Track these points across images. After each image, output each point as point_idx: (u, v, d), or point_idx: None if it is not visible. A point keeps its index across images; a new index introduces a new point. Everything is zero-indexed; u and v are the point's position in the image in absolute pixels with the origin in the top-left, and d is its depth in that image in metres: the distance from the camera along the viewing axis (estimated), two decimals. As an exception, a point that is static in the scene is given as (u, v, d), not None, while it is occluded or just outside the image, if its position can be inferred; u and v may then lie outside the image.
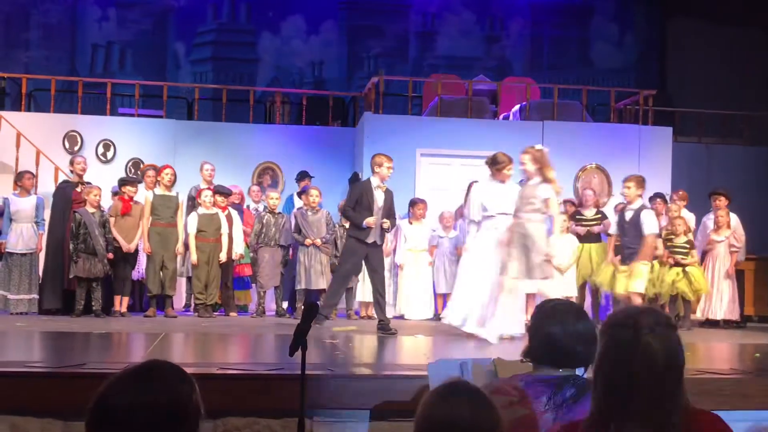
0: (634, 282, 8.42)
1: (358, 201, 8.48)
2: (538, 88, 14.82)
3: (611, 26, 19.30)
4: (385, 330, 8.24)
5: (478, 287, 7.90)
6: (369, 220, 8.35)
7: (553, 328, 2.90)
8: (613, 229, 9.14)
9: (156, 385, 1.93)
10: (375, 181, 8.59)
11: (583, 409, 2.67)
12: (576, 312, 3.00)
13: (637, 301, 8.34)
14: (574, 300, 10.25)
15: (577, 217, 10.63)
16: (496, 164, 8.23)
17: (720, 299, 10.37)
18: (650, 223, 8.56)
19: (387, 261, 10.76)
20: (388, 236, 10.78)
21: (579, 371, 2.93)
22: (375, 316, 10.62)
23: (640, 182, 8.73)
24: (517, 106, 13.49)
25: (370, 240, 8.40)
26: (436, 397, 2.16)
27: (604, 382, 2.14)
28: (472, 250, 8.26)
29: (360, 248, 8.44)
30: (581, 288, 10.49)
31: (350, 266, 8.69)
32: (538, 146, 8.33)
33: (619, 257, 8.86)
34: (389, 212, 8.58)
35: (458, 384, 2.23)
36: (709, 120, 15.32)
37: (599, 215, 10.66)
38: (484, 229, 8.17)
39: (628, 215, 8.68)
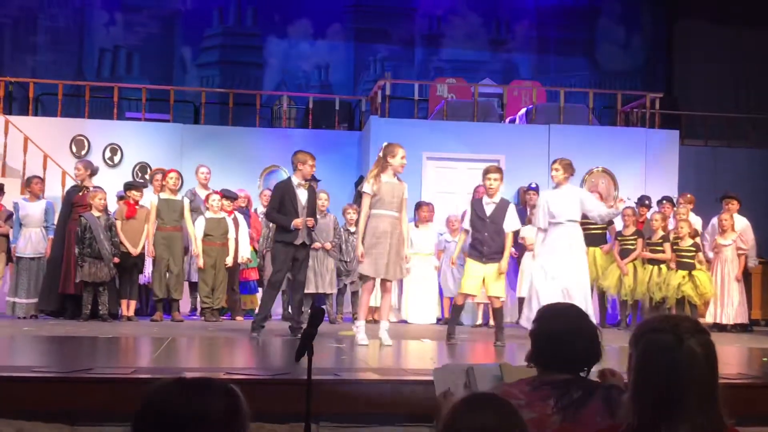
0: (497, 285, 7.88)
1: (281, 203, 8.03)
2: (544, 91, 14.82)
3: (617, 29, 19.27)
4: (293, 332, 7.94)
5: (553, 293, 7.85)
6: (296, 221, 7.89)
7: (555, 331, 2.90)
8: (466, 224, 8.31)
9: (214, 395, 1.92)
10: (296, 179, 8.11)
11: (589, 411, 2.69)
12: (577, 314, 3.01)
13: (496, 305, 7.95)
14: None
15: (582, 220, 10.60)
16: (571, 170, 8.23)
17: (729, 303, 10.35)
18: (513, 221, 7.99)
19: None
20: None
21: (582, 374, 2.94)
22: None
23: (503, 175, 8.16)
24: (523, 110, 13.50)
25: (298, 241, 7.96)
26: (464, 406, 2.16)
27: (647, 390, 2.13)
28: (542, 257, 8.25)
29: (288, 251, 8.00)
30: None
31: (283, 274, 8.28)
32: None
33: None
34: (313, 211, 8.20)
35: (487, 395, 2.23)
36: (716, 123, 15.30)
37: (605, 219, 10.65)
38: (553, 236, 8.22)
39: (489, 209, 7.93)
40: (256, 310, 10.74)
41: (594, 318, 7.52)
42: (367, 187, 7.55)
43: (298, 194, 8.04)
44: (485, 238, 7.84)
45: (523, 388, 2.83)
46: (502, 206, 7.91)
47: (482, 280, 7.86)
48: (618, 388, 2.77)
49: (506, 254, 7.90)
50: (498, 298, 7.90)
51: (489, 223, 7.87)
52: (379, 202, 7.51)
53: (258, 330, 7.87)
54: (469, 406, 2.15)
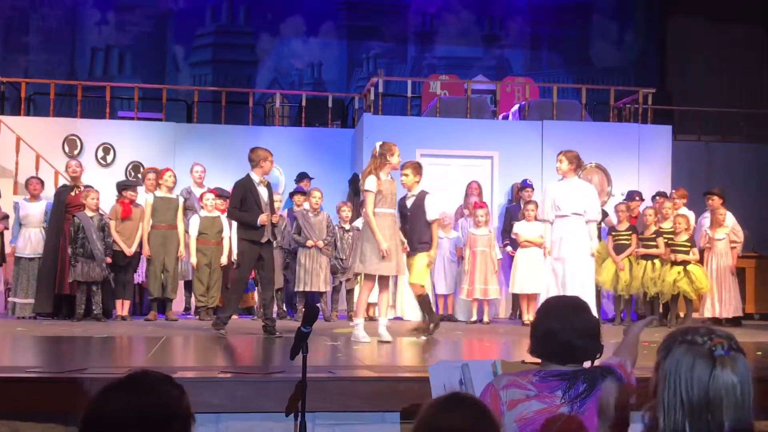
0: (420, 273, 8.03)
1: (243, 200, 7.92)
2: (537, 87, 14.84)
3: (610, 25, 19.31)
4: (269, 332, 7.83)
5: (570, 287, 7.95)
6: (262, 218, 7.80)
7: (555, 324, 2.92)
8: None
9: (146, 391, 1.99)
10: (256, 176, 7.96)
11: (592, 404, 2.76)
12: (578, 307, 3.02)
13: (419, 292, 8.03)
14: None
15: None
16: (577, 161, 8.26)
17: (724, 298, 10.37)
18: (434, 209, 8.11)
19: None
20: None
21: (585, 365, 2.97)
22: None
23: (417, 168, 8.19)
24: (516, 106, 13.50)
25: (264, 239, 7.87)
26: (437, 407, 2.16)
27: (681, 401, 2.12)
28: (556, 252, 8.28)
29: (254, 250, 7.88)
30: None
31: (248, 273, 8.24)
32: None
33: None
34: (272, 208, 8.12)
35: (461, 395, 2.23)
36: (709, 118, 15.32)
37: (599, 214, 10.65)
38: (558, 230, 8.27)
39: (410, 202, 8.15)
40: (257, 308, 10.80)
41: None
42: (371, 185, 7.54)
43: (260, 192, 7.95)
44: (410, 230, 8.06)
45: (531, 379, 2.86)
46: (420, 198, 8.07)
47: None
48: (606, 369, 2.84)
49: (434, 243, 8.04)
50: (419, 285, 8.04)
51: (411, 216, 8.05)
52: (382, 200, 7.57)
53: (221, 327, 7.77)
54: (443, 406, 2.15)
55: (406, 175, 8.03)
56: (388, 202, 7.59)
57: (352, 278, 10.58)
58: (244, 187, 7.93)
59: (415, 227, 8.03)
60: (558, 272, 8.20)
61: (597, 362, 2.97)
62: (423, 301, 8.17)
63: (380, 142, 7.78)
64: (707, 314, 10.36)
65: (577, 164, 8.33)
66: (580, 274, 8.17)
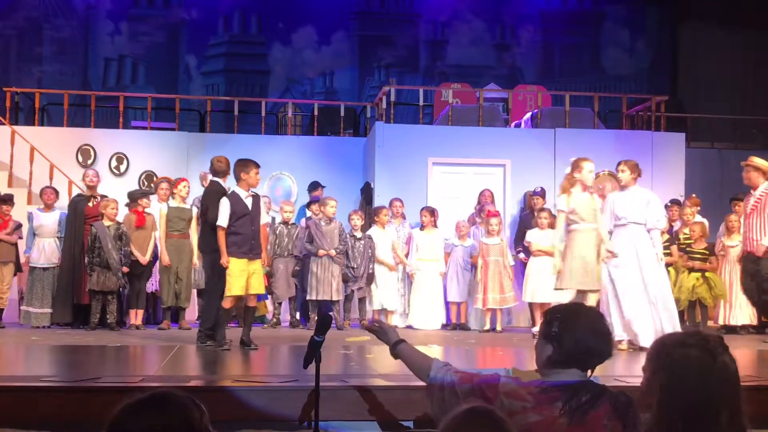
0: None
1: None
2: (549, 95, 14.82)
3: (622, 32, 19.28)
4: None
5: (633, 304, 7.92)
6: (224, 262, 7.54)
7: (582, 330, 2.89)
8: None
9: (170, 410, 2.00)
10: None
11: (597, 414, 2.70)
12: (592, 312, 3.01)
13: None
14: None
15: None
16: (638, 170, 8.27)
17: (739, 305, 10.29)
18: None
19: (399, 270, 10.78)
20: (401, 244, 10.78)
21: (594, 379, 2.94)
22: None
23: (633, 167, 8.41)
24: (528, 114, 13.49)
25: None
26: (460, 420, 2.15)
27: (678, 404, 2.12)
28: (614, 261, 8.15)
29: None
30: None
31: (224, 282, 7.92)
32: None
33: None
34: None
35: (483, 410, 2.23)
36: (722, 125, 15.27)
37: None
38: (617, 239, 8.20)
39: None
40: (268, 316, 10.80)
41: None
42: (561, 204, 7.94)
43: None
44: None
45: (532, 390, 2.83)
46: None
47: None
48: (625, 395, 2.77)
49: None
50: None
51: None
52: (578, 217, 7.91)
53: (204, 340, 7.59)
54: (466, 419, 2.15)
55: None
56: (587, 218, 7.90)
57: (364, 287, 10.58)
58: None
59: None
60: (616, 282, 8.09)
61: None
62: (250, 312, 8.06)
63: (572, 158, 8.11)
64: (720, 321, 10.30)
65: (638, 172, 8.30)
66: (654, 281, 8.02)
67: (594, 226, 7.92)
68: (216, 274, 7.68)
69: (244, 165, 7.66)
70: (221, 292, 7.59)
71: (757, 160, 9.02)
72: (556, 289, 8.23)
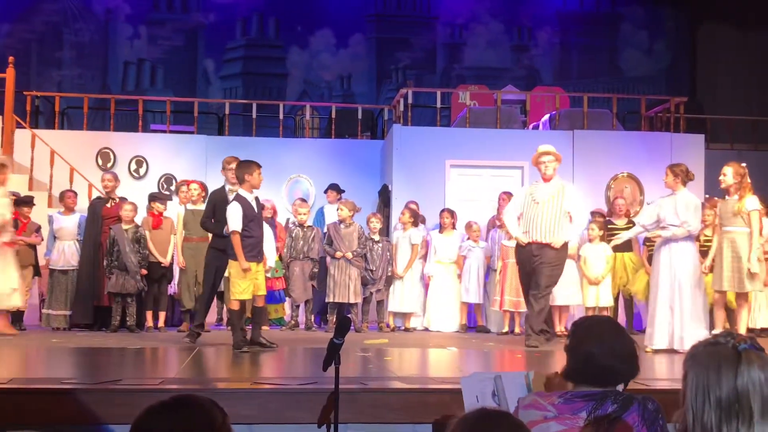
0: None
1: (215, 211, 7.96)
2: (567, 97, 14.77)
3: (640, 34, 19.19)
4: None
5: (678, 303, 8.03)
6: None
7: (592, 346, 2.84)
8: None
9: (192, 413, 2.05)
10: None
11: (625, 424, 2.65)
12: (614, 328, 2.95)
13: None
14: (609, 311, 10.18)
15: (608, 226, 10.56)
16: (684, 175, 8.31)
17: (757, 308, 10.22)
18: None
19: (417, 271, 10.77)
20: (418, 245, 10.77)
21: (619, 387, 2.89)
22: (406, 327, 10.63)
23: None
24: (546, 116, 13.45)
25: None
26: (470, 422, 2.15)
27: (710, 404, 2.12)
28: (661, 265, 8.24)
29: (224, 259, 7.85)
30: (616, 298, 10.42)
31: (218, 280, 8.21)
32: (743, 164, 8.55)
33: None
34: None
35: (499, 413, 2.22)
36: (741, 126, 15.16)
37: (631, 224, 10.55)
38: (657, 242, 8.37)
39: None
40: (286, 318, 10.83)
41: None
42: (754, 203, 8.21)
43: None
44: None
45: (554, 401, 2.79)
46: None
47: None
48: (652, 401, 2.73)
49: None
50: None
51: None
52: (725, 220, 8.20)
53: (194, 337, 7.90)
54: (477, 421, 2.14)
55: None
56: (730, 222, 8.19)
57: (383, 289, 10.58)
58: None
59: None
60: (664, 293, 8.20)
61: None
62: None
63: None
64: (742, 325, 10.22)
65: (683, 178, 8.29)
66: (682, 287, 8.13)
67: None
68: (212, 273, 8.05)
69: (247, 167, 7.66)
70: (211, 291, 8.13)
71: None
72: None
